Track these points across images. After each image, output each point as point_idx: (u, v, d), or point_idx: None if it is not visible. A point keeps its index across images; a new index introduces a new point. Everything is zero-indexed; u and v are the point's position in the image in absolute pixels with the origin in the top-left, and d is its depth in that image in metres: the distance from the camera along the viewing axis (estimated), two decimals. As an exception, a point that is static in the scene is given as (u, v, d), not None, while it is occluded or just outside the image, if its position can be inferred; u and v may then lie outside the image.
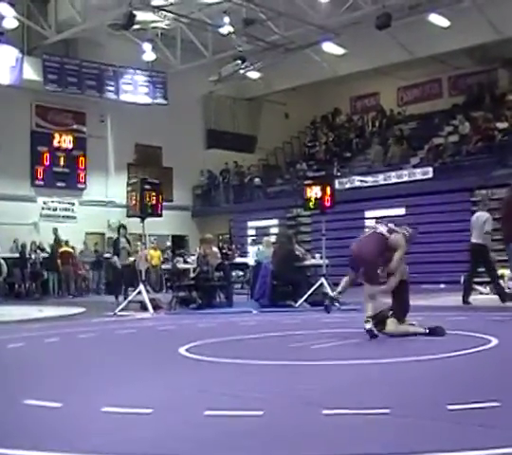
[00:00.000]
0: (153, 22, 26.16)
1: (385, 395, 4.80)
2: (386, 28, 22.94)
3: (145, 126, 28.22)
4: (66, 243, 24.64)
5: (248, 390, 5.17)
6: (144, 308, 14.16)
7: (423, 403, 4.51)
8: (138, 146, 29.71)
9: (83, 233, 27.05)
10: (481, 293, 15.29)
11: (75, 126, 27.99)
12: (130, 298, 14.82)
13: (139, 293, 14.28)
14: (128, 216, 16.17)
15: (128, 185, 15.58)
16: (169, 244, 24.73)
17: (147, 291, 14.48)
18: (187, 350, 7.44)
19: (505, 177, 21.87)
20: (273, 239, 16.97)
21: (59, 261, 23.77)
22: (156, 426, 4.10)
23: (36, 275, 23.43)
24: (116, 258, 17.65)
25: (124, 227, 17.62)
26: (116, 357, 7.62)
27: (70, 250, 24.37)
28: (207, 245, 15.61)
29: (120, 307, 14.10)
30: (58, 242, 24.10)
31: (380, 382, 5.46)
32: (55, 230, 24.62)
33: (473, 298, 13.70)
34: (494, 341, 7.42)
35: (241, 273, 18.59)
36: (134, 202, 14.81)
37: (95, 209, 27.89)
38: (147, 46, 26.35)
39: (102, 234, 28.13)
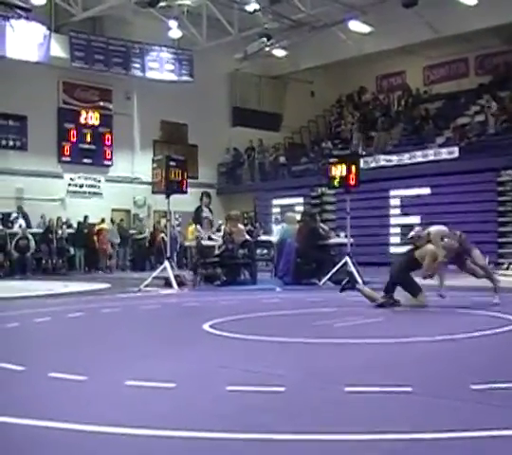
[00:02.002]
0: (178, -1, 26.02)
1: (407, 374, 4.81)
2: (412, 6, 22.65)
3: (171, 103, 28.15)
4: (103, 220, 24.95)
5: (271, 366, 5.19)
6: (169, 284, 14.24)
7: (446, 382, 4.51)
8: (164, 123, 29.66)
9: (109, 210, 27.16)
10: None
11: (101, 103, 27.99)
12: (155, 273, 14.90)
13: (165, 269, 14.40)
14: (153, 192, 16.23)
15: (153, 162, 15.63)
16: (220, 222, 24.50)
17: (172, 267, 14.55)
18: (210, 326, 7.48)
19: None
20: (297, 216, 16.92)
21: (95, 237, 23.99)
22: (179, 400, 4.15)
23: (62, 251, 23.65)
24: (199, 227, 16.79)
25: (208, 195, 16.96)
26: (139, 332, 7.72)
27: (107, 227, 24.58)
28: (233, 222, 15.58)
29: (145, 283, 14.18)
30: (5, 219, 23.71)
31: (403, 360, 5.48)
32: (19, 209, 24.37)
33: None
34: (519, 322, 7.40)
35: (265, 251, 18.55)
36: (159, 178, 14.86)
37: (121, 185, 27.96)
38: (173, 24, 26.16)
39: (128, 211, 28.26)
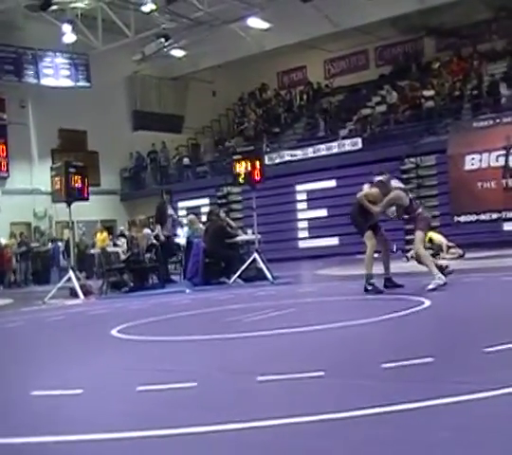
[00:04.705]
0: (71, 2, 25.38)
1: (319, 359, 4.79)
2: (310, 1, 22.84)
3: (68, 110, 27.40)
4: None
5: (182, 364, 5.13)
6: (74, 295, 13.83)
7: (357, 364, 4.51)
8: (62, 131, 28.87)
9: (8, 223, 26.11)
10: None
11: (-7, 113, 27.13)
12: (59, 284, 14.45)
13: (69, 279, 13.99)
14: (54, 201, 15.73)
15: (52, 169, 15.10)
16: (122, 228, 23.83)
17: (77, 278, 14.14)
18: (119, 331, 7.30)
19: (433, 144, 22.19)
20: (195, 217, 16.73)
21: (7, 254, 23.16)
22: (88, 405, 4.03)
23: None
24: (158, 229, 15.67)
25: (169, 192, 16.24)
26: (45, 343, 7.43)
27: (11, 243, 23.80)
28: (136, 227, 15.30)
29: (50, 295, 13.71)
30: None
31: (314, 348, 5.42)
32: None
33: (403, 265, 13.78)
34: (427, 303, 7.49)
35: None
36: (59, 186, 14.39)
37: (19, 197, 26.93)
38: (67, 28, 25.43)
39: (29, 224, 27.35)
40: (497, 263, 12.34)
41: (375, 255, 9.42)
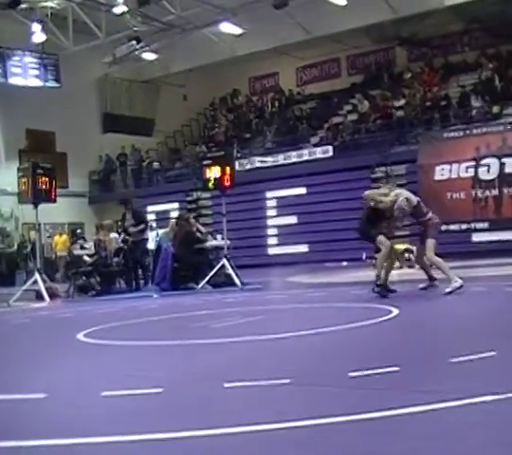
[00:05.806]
0: (41, 1, 25.11)
1: (286, 367, 4.75)
2: (284, 8, 22.85)
3: (37, 110, 27.08)
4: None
5: (147, 369, 5.07)
6: (40, 297, 13.69)
7: (324, 372, 4.49)
8: (30, 131, 28.55)
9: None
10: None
11: (-41, 113, 26.72)
12: (24, 287, 14.28)
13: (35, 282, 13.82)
14: (20, 202, 15.54)
15: (19, 170, 14.96)
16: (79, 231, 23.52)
17: (43, 280, 13.97)
18: (85, 335, 7.21)
19: (404, 154, 22.36)
20: (174, 223, 16.70)
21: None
22: (50, 409, 3.95)
23: None
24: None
25: (124, 201, 15.96)
26: (8, 346, 7.31)
27: None
28: (103, 231, 15.20)
29: (15, 297, 13.56)
30: None
31: (281, 355, 5.39)
32: None
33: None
34: (395, 312, 7.51)
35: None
36: (25, 187, 14.23)
37: (-16, 198, 26.67)
38: (36, 27, 25.15)
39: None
40: (465, 274, 12.40)
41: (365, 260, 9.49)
